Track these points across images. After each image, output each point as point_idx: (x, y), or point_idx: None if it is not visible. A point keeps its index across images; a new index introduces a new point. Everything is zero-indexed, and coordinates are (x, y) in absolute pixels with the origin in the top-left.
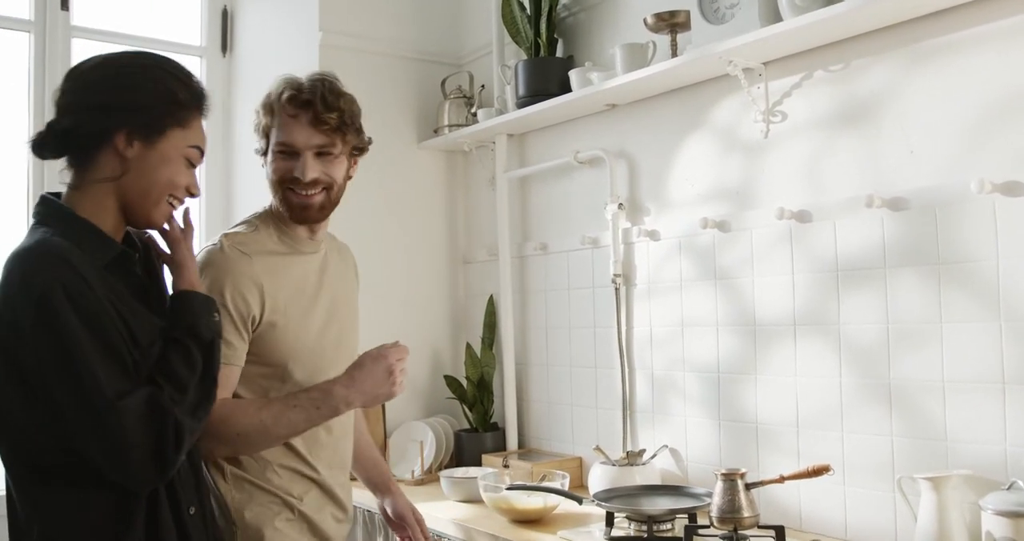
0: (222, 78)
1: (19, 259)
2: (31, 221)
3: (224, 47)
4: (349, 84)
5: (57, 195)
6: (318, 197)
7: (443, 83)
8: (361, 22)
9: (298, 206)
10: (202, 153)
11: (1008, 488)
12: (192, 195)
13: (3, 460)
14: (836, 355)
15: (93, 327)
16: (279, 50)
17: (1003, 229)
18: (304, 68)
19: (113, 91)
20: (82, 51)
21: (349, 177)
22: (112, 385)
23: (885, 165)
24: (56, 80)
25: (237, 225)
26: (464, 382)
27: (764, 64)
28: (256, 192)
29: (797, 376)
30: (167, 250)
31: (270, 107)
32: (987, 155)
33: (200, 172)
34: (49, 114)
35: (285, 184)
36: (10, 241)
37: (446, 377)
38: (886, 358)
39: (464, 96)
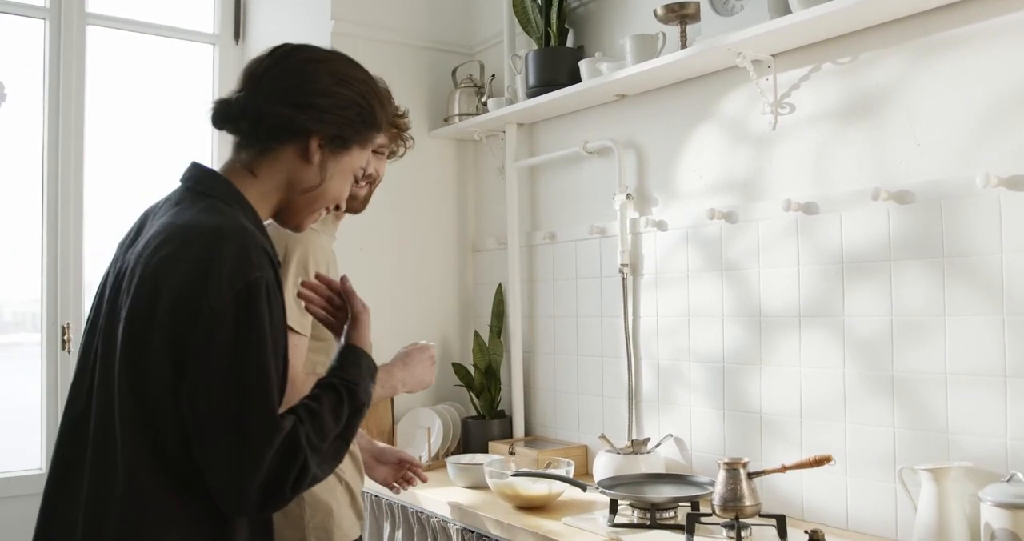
0: (234, 66)
1: (219, 240)
2: (189, 189)
3: (237, 35)
4: None
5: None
6: (365, 190)
7: (454, 72)
8: (373, 10)
9: (351, 194)
10: (364, 172)
11: (1008, 480)
12: (338, 209)
13: (127, 432)
14: (840, 347)
15: (276, 337)
16: (291, 38)
17: (1007, 223)
18: None
19: (332, 96)
20: (97, 38)
21: None
22: (273, 406)
23: (892, 158)
24: (72, 68)
25: None
26: (472, 369)
27: (773, 56)
28: None
29: (801, 367)
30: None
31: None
32: (993, 149)
33: (212, 159)
34: (65, 103)
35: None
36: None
37: (454, 364)
38: (890, 350)
39: (475, 85)
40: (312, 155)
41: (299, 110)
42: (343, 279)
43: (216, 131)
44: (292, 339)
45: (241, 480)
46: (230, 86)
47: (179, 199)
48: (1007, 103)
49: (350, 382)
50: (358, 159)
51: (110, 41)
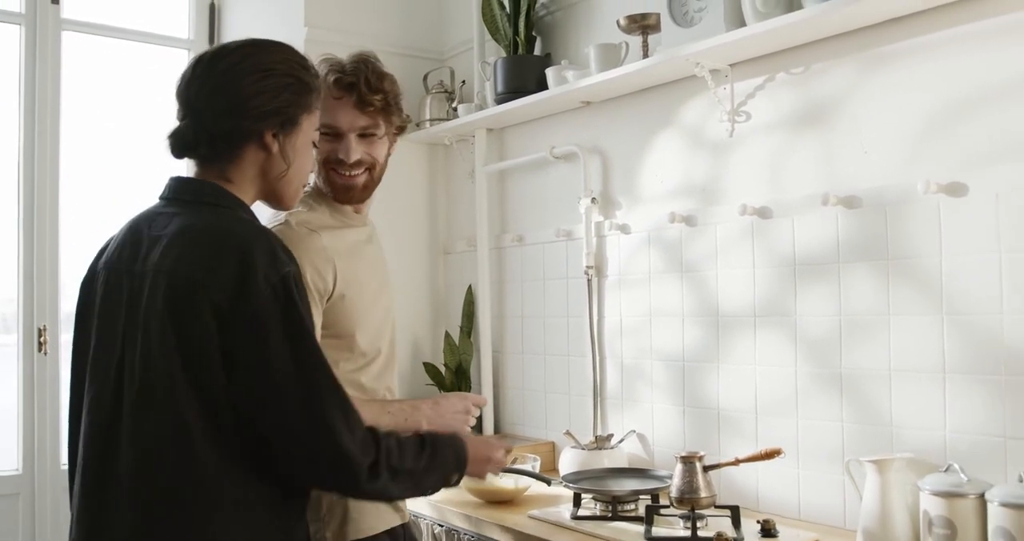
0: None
1: (248, 243)
2: (189, 202)
3: (211, 40)
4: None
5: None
6: (361, 177)
7: (425, 78)
8: (346, 17)
9: (342, 187)
10: (329, 128)
11: (945, 470)
12: (311, 172)
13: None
14: (792, 345)
15: (311, 322)
16: None
17: (946, 228)
18: None
19: (263, 92)
20: (72, 44)
21: (389, 155)
22: (337, 380)
23: (840, 165)
24: (48, 73)
25: None
26: (443, 369)
27: (730, 66)
28: None
29: (756, 365)
30: None
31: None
32: (933, 157)
33: (188, 164)
34: (41, 108)
35: (329, 165)
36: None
37: (425, 364)
38: (838, 348)
39: (445, 91)
40: (271, 146)
41: (242, 119)
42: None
43: None
44: None
45: (322, 453)
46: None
47: (179, 210)
48: (946, 113)
49: (447, 463)
50: (310, 126)
51: (86, 46)
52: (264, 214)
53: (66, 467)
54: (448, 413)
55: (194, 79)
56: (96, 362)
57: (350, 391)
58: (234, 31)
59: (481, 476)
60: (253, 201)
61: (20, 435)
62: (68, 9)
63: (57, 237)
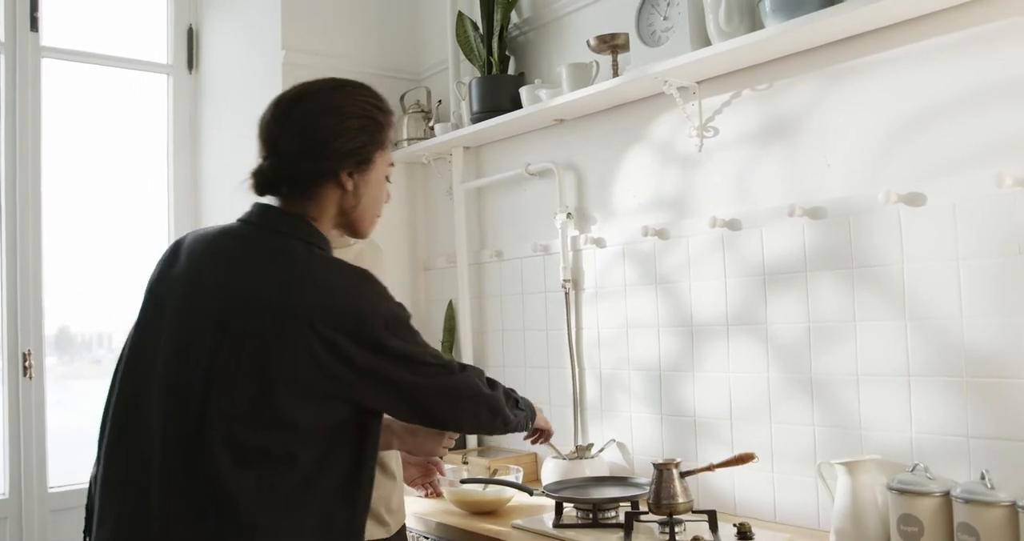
0: (188, 95)
1: (367, 279)
2: (275, 230)
3: (190, 64)
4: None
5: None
6: None
7: (402, 98)
8: (322, 40)
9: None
10: (393, 166)
11: (912, 470)
12: (386, 202)
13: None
14: (764, 352)
15: (416, 345)
16: (244, 67)
17: (907, 236)
18: (267, 85)
19: (333, 138)
20: (52, 71)
21: None
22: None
23: (805, 177)
24: (28, 100)
25: None
26: None
27: (697, 83)
28: (222, 203)
29: (730, 372)
30: None
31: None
32: (893, 169)
33: (168, 188)
34: (22, 134)
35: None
36: None
37: None
38: (808, 354)
39: (422, 110)
40: (346, 184)
41: (322, 160)
42: None
43: (171, 161)
44: None
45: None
46: (185, 114)
47: (272, 239)
48: (904, 127)
49: (527, 409)
50: (383, 161)
51: (66, 73)
52: None
53: (53, 490)
54: (422, 433)
55: (274, 121)
56: (179, 369)
57: None
58: (213, 55)
59: (545, 427)
60: (329, 231)
61: (6, 459)
62: (48, 37)
63: (40, 262)
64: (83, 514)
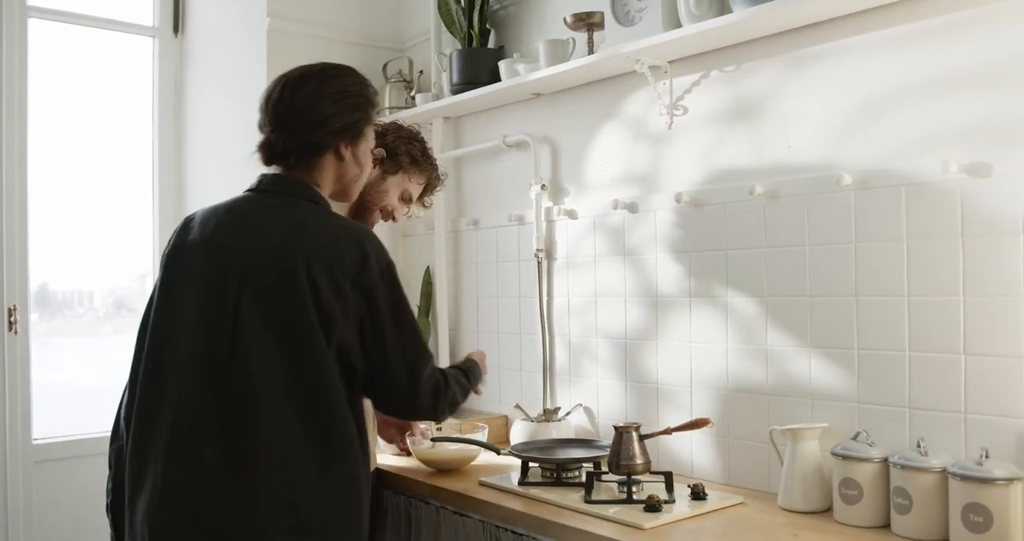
0: (173, 57)
1: (363, 235)
2: (290, 195)
3: (176, 28)
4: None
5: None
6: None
7: (384, 67)
8: (307, 7)
9: (371, 225)
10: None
11: (854, 438)
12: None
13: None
14: (724, 323)
15: (406, 297)
16: (229, 32)
17: (859, 217)
18: (253, 52)
19: (341, 113)
20: (38, 31)
21: None
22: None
23: (767, 157)
24: (14, 60)
25: None
26: None
27: (669, 63)
28: (206, 166)
29: (691, 342)
30: None
31: (420, 159)
32: (849, 152)
33: (153, 149)
34: (8, 94)
35: (386, 213)
36: None
37: None
38: (764, 327)
39: (404, 80)
40: (344, 154)
41: (325, 134)
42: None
43: (155, 122)
44: None
45: (415, 402)
46: (170, 76)
47: (283, 202)
48: (860, 111)
49: (476, 375)
50: (371, 133)
51: (51, 33)
52: None
53: (38, 442)
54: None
55: (281, 99)
56: (203, 325)
57: None
58: (198, 19)
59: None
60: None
61: None
62: None
63: (26, 219)
64: (67, 468)
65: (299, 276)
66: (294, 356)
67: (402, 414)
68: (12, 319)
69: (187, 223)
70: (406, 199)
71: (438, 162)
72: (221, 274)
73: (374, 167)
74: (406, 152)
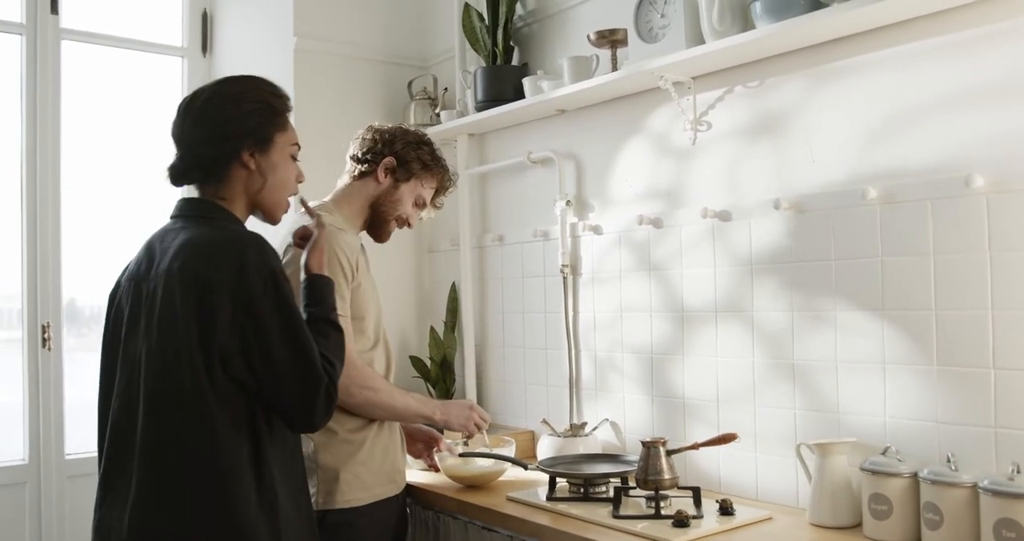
0: (202, 77)
1: (242, 244)
2: (190, 217)
3: (204, 48)
4: (322, 85)
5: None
6: (394, 228)
7: (409, 85)
8: (333, 27)
9: (388, 233)
10: (299, 147)
11: (883, 453)
12: (299, 183)
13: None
14: (750, 338)
15: (296, 306)
16: (256, 52)
17: (885, 231)
18: (280, 71)
19: (231, 121)
20: (71, 52)
21: None
22: (318, 362)
23: (792, 172)
24: (48, 81)
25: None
26: (428, 362)
27: (692, 79)
28: None
29: (718, 357)
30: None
31: (430, 163)
32: (873, 166)
33: None
34: (42, 114)
35: (401, 220)
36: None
37: (412, 357)
38: (791, 341)
39: (429, 98)
40: (249, 164)
41: (221, 143)
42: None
43: None
44: (345, 322)
45: (312, 418)
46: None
47: (184, 225)
48: (885, 126)
49: (328, 308)
50: (284, 142)
51: (84, 55)
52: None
53: (70, 457)
54: (454, 411)
55: (178, 118)
56: (126, 356)
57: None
58: (226, 39)
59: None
60: (246, 215)
61: (26, 427)
62: (67, 19)
63: (59, 238)
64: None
65: (174, 297)
66: (167, 383)
67: (298, 430)
68: (46, 336)
69: (130, 262)
70: (420, 205)
71: (449, 165)
72: (136, 306)
73: (385, 176)
74: (416, 158)
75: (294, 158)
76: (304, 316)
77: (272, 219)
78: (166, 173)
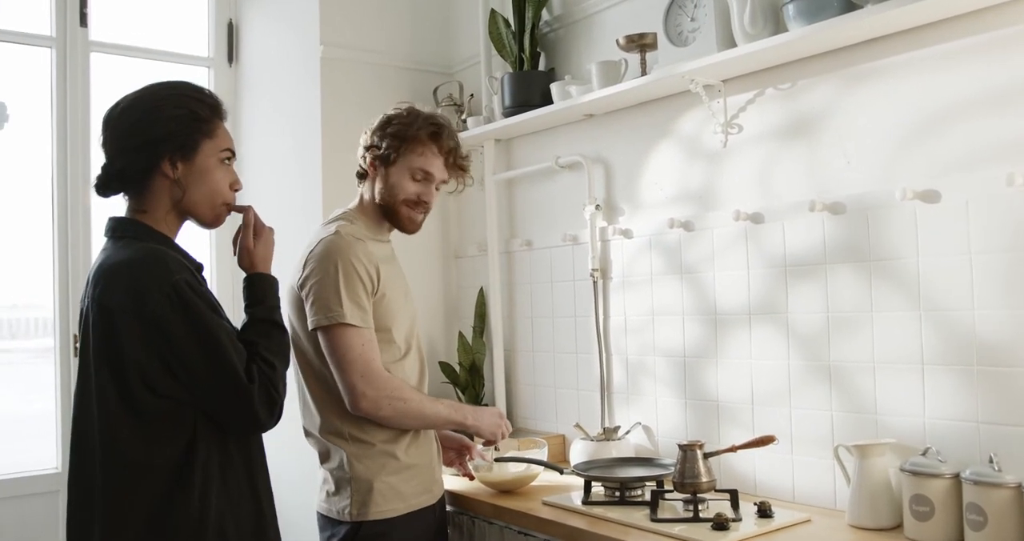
0: (228, 87)
1: (138, 265)
2: (110, 238)
3: (230, 58)
4: (348, 92)
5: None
6: (423, 215)
7: (435, 91)
8: (359, 34)
9: (409, 220)
10: (233, 153)
11: (924, 454)
12: (235, 190)
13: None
14: (785, 340)
15: (216, 315)
16: (282, 61)
17: (922, 231)
18: (306, 79)
19: (148, 129)
20: (101, 64)
21: None
22: (240, 368)
23: (825, 173)
24: (78, 92)
25: (334, 220)
26: (457, 368)
27: (723, 82)
28: (260, 191)
29: (752, 359)
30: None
31: (404, 134)
32: (910, 166)
33: None
34: (72, 125)
35: (410, 202)
36: (38, 251)
37: (441, 363)
38: (826, 342)
39: (455, 104)
40: (170, 173)
41: (141, 151)
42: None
43: None
44: (362, 335)
45: (254, 422)
46: (225, 105)
47: (104, 247)
48: (920, 126)
49: (269, 308)
50: (212, 149)
51: (113, 66)
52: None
53: None
54: (485, 417)
55: (102, 129)
56: (80, 380)
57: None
58: (252, 49)
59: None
60: (177, 223)
61: (59, 436)
62: (96, 31)
63: (90, 249)
64: None
65: (89, 322)
66: (99, 408)
67: (241, 434)
68: (77, 345)
69: None
70: (424, 178)
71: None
72: (84, 335)
73: (373, 169)
74: (385, 136)
75: (226, 165)
76: (245, 318)
77: (207, 226)
78: (93, 187)
